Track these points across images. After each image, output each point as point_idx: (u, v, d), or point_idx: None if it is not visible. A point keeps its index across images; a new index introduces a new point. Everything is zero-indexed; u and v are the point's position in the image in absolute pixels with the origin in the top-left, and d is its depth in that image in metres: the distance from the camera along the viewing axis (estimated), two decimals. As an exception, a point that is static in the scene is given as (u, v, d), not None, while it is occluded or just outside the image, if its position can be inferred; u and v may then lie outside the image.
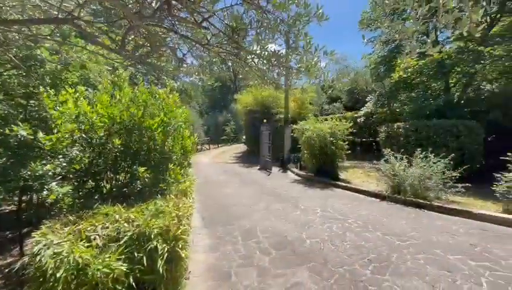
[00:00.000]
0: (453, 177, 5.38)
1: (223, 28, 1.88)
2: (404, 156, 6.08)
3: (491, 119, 8.77)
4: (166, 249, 2.19)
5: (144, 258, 2.06)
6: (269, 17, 1.70)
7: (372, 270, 2.99)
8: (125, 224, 2.26)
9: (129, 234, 2.17)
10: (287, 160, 12.04)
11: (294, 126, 10.34)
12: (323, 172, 8.56)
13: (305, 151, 9.30)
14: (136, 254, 2.08)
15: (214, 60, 2.14)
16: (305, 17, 1.65)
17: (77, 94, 3.09)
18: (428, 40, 1.55)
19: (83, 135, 3.01)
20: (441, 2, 1.55)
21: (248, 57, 2.02)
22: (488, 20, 9.37)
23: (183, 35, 2.07)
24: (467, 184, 5.26)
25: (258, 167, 11.98)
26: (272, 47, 2.06)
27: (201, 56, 2.35)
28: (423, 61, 9.81)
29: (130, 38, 2.44)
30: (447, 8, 1.58)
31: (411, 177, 5.61)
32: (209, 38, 1.86)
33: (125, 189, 3.03)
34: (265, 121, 12.40)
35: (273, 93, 15.63)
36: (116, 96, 3.32)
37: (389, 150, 6.47)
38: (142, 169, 2.92)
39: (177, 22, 2.00)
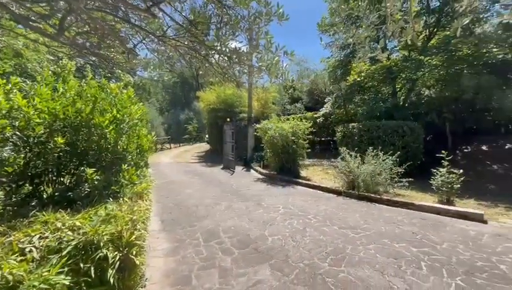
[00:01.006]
0: (399, 173, 5.95)
1: (182, 21, 1.79)
2: (358, 154, 6.54)
3: (429, 120, 9.93)
4: (118, 257, 2.02)
5: (92, 268, 1.87)
6: (230, 12, 1.66)
7: (330, 263, 3.15)
8: (69, 232, 2.02)
9: (74, 243, 1.94)
10: (250, 159, 12.11)
11: (258, 125, 10.43)
12: (285, 170, 8.79)
13: (268, 150, 9.46)
14: (82, 265, 1.88)
15: (170, 54, 2.02)
16: (265, 15, 1.66)
17: (9, 85, 2.69)
18: (378, 46, 1.68)
19: (17, 133, 2.62)
20: (388, 11, 1.67)
21: (209, 53, 1.96)
22: (427, 32, 10.57)
23: (135, 24, 1.91)
24: (410, 179, 5.87)
25: (221, 167, 11.84)
26: (233, 44, 2.03)
27: (157, 49, 2.20)
28: (374, 66, 10.68)
29: (72, 24, 2.17)
30: (394, 18, 1.71)
31: (364, 174, 6.06)
32: (165, 29, 1.74)
33: (70, 193, 2.72)
34: (228, 120, 12.29)
35: (237, 92, 15.58)
36: (59, 90, 2.96)
37: (345, 148, 6.91)
38: (90, 170, 2.65)
39: (128, 9, 1.83)
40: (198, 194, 6.78)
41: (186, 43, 1.87)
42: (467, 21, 1.32)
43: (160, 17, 1.72)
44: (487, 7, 10.03)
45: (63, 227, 2.08)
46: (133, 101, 3.70)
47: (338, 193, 6.46)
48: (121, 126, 3.23)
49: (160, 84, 34.63)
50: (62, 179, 3.04)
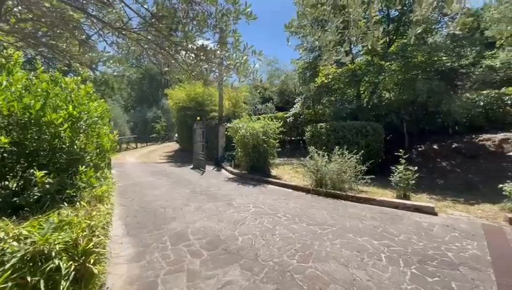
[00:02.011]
0: (362, 171, 6.31)
1: (144, 13, 1.68)
2: (326, 153, 6.81)
3: (389, 121, 10.69)
4: (73, 267, 1.86)
5: (42, 282, 1.69)
6: (196, 8, 1.60)
7: (298, 259, 3.23)
8: (14, 243, 1.81)
9: (19, 254, 1.74)
10: (221, 158, 11.98)
11: (229, 125, 10.36)
12: (256, 169, 8.84)
13: (239, 150, 9.44)
14: (29, 279, 1.69)
15: (132, 48, 1.89)
16: (233, 13, 1.63)
17: None
18: (342, 49, 1.76)
19: None
20: (351, 17, 1.75)
21: (175, 49, 1.87)
22: (388, 39, 11.36)
23: (91, 14, 1.75)
24: (372, 176, 6.26)
25: (191, 166, 11.55)
26: (200, 41, 1.97)
27: (117, 43, 2.04)
28: (341, 70, 11.20)
29: (12, 9, 1.93)
30: (357, 24, 1.79)
31: (331, 172, 6.33)
32: (125, 21, 1.62)
33: (16, 199, 2.43)
34: (199, 118, 12.02)
35: (208, 90, 15.32)
36: (3, 83, 2.63)
37: (313, 147, 7.15)
38: (40, 173, 2.40)
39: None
40: (166, 195, 6.53)
41: (149, 37, 1.77)
42: (420, 30, 1.43)
43: (120, 7, 1.60)
44: (438, 19, 11.07)
45: (6, 237, 1.85)
46: (92, 97, 3.43)
47: (307, 190, 6.66)
48: (78, 124, 2.98)
49: (125, 80, 32.69)
50: (7, 183, 2.72)
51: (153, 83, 35.33)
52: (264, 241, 3.75)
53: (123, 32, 1.65)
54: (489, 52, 12.38)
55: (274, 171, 9.15)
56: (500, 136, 8.86)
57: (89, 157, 3.21)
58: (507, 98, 9.57)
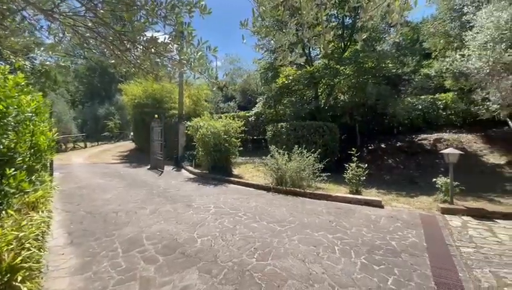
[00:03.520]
0: (319, 168, 6.62)
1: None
2: (286, 152, 6.99)
3: (343, 122, 11.44)
4: (-6, 287, 1.59)
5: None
6: (144, -4, 1.48)
7: (257, 258, 3.25)
8: None
9: None
10: (181, 158, 11.54)
11: (189, 123, 10.02)
12: (217, 169, 8.70)
13: (200, 149, 9.20)
14: None
15: (67, 35, 1.66)
16: (186, 5, 1.54)
17: None
18: (296, 51, 1.80)
19: None
20: (305, 19, 1.79)
21: (119, 40, 1.70)
22: (343, 45, 12.12)
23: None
24: (329, 173, 6.62)
25: (148, 167, 10.92)
26: (149, 33, 1.83)
27: (49, 28, 1.78)
28: (300, 71, 11.61)
29: None
30: (310, 25, 1.84)
31: (290, 170, 6.52)
32: (56, 3, 1.41)
33: None
34: (157, 116, 11.40)
35: (167, 87, 14.64)
36: None
37: (274, 146, 7.29)
38: (-48, 178, 2.00)
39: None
40: (119, 198, 6.05)
41: (90, 25, 1.58)
42: (365, 36, 1.53)
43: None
44: (386, 29, 12.18)
45: None
46: (25, 90, 3.00)
47: (268, 189, 6.77)
48: (5, 121, 2.57)
49: (71, 72, 29.44)
50: None
51: (105, 77, 32.43)
52: (224, 242, 3.69)
53: (54, 15, 1.44)
54: (427, 62, 14.02)
55: (236, 171, 9.12)
56: (434, 136, 10.12)
57: (20, 158, 2.79)
58: (439, 103, 10.97)
